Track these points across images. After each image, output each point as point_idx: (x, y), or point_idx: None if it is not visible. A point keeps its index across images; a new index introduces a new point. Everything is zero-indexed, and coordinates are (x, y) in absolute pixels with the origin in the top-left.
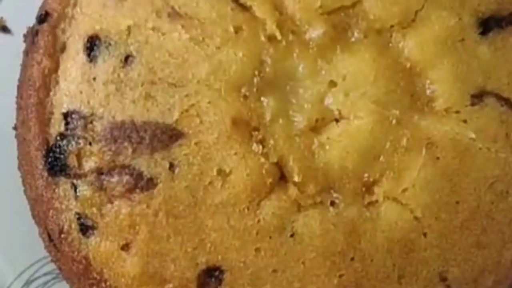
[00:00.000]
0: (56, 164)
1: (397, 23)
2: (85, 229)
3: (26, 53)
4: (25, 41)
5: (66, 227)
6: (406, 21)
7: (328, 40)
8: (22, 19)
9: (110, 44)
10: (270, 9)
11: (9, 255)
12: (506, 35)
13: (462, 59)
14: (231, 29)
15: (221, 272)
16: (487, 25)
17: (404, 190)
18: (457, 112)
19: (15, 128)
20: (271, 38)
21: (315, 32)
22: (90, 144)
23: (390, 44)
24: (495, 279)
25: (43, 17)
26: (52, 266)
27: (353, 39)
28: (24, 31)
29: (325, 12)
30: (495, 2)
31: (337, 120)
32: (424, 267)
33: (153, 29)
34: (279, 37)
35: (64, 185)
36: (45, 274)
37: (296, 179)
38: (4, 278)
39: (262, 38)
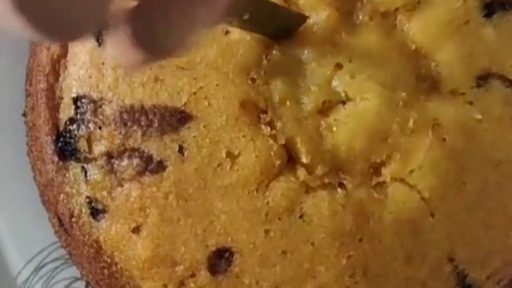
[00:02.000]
0: (66, 148)
1: (402, 5)
2: (96, 212)
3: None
4: None
5: (76, 211)
6: (411, 3)
7: (332, 24)
8: None
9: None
10: None
11: (18, 242)
12: (510, 18)
13: (467, 42)
14: None
15: (231, 253)
16: (491, 7)
17: (411, 171)
18: (463, 94)
19: (24, 114)
20: None
21: (319, 16)
22: (100, 128)
23: (396, 27)
24: (503, 259)
25: None
26: (61, 252)
27: (358, 22)
28: None
29: None
30: None
31: (344, 102)
32: (432, 248)
33: None
34: None
35: (74, 169)
36: (54, 260)
37: (304, 160)
38: (13, 264)
39: None
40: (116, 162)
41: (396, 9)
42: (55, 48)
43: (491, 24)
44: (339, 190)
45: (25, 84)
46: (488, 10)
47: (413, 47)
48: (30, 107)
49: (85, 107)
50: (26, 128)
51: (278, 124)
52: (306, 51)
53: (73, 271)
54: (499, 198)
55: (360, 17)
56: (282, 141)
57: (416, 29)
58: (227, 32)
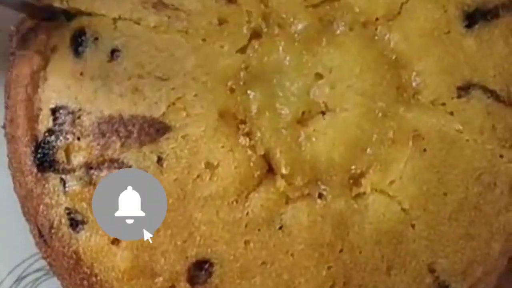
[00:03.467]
0: (45, 159)
1: (383, 15)
2: (75, 224)
3: (13, 52)
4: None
5: (56, 222)
6: (391, 13)
7: (313, 32)
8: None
9: (96, 38)
10: (255, 1)
11: (1, 251)
12: (492, 28)
13: (448, 52)
14: (216, 21)
15: (211, 264)
16: (473, 18)
17: (392, 182)
18: (444, 104)
19: (3, 126)
20: (256, 31)
21: (300, 24)
22: (78, 139)
23: (376, 37)
24: (484, 270)
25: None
26: (44, 262)
27: (338, 32)
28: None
29: (310, 5)
30: None
31: (323, 113)
32: (413, 258)
33: (139, 19)
34: (264, 29)
35: (53, 180)
36: (36, 271)
37: (283, 171)
38: None
39: (245, 31)
40: (95, 173)
41: (377, 19)
42: (37, 60)
43: (473, 34)
44: (318, 201)
45: (4, 97)
46: (470, 20)
47: (394, 57)
48: (9, 119)
49: (63, 118)
50: (6, 140)
51: (257, 135)
52: (286, 61)
53: (55, 282)
54: (481, 209)
55: (341, 27)
56: (261, 151)
57: (397, 39)
58: (204, 40)
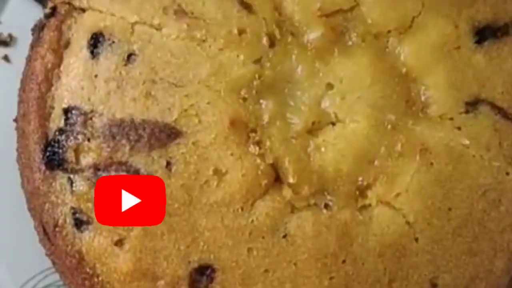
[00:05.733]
0: (54, 158)
1: (394, 28)
2: (80, 223)
3: (32, 47)
4: (33, 34)
5: (61, 221)
6: (403, 27)
7: (326, 42)
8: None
9: (113, 41)
10: (270, 9)
11: (10, 267)
12: (501, 45)
13: (457, 67)
14: (235, 31)
15: (213, 270)
16: (483, 34)
17: (397, 194)
18: (451, 119)
19: (15, 120)
20: (271, 40)
21: (313, 34)
22: (88, 140)
23: (387, 49)
24: (486, 287)
25: (50, 12)
26: (53, 278)
27: (350, 43)
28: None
29: (323, 15)
30: (491, 12)
31: (333, 123)
32: (415, 272)
33: (159, 25)
34: (278, 36)
35: (60, 179)
36: (46, 287)
37: (291, 180)
38: None
39: (264, 42)
40: (103, 174)
41: (389, 31)
42: (50, 58)
43: (482, 51)
44: (324, 211)
45: (19, 90)
46: (480, 36)
47: (404, 70)
48: (22, 114)
49: (75, 118)
50: (17, 134)
51: (267, 144)
52: (298, 70)
53: None
54: (485, 225)
55: (353, 37)
56: (269, 160)
57: (408, 52)
58: (221, 49)
